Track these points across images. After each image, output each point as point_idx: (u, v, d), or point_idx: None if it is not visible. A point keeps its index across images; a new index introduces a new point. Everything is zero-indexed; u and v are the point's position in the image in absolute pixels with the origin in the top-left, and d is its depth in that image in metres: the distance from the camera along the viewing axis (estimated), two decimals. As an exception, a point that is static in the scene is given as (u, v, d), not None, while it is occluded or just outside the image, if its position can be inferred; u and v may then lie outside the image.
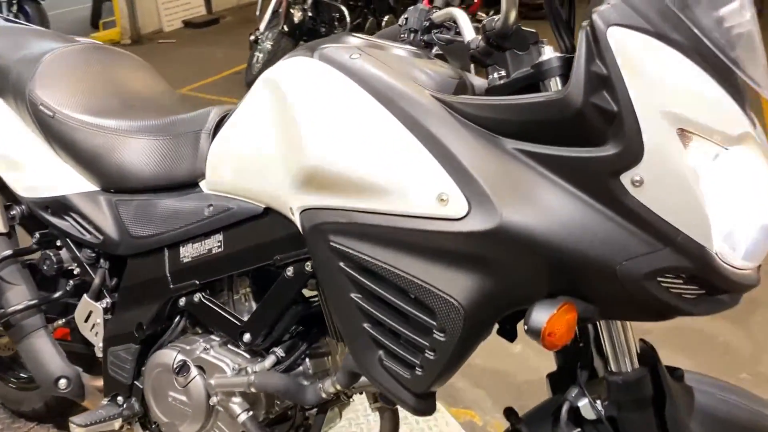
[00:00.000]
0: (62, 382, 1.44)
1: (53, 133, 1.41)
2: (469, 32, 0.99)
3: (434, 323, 0.89)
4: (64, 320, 1.50)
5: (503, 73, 0.93)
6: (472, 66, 1.12)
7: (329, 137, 0.96)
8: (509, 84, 0.92)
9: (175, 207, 1.30)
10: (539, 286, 0.85)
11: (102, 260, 1.44)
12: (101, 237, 1.38)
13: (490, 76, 0.95)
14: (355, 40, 1.06)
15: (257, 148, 1.12)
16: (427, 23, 1.12)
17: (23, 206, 1.53)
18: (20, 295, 1.46)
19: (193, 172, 1.31)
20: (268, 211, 1.15)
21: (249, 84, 5.00)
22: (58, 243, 1.50)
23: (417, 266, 0.89)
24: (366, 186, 0.92)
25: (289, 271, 1.14)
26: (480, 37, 0.95)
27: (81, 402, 1.52)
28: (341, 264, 0.97)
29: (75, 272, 1.48)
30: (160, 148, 1.34)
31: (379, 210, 0.91)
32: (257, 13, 5.22)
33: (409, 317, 0.92)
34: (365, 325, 0.96)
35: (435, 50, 1.14)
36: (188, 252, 1.28)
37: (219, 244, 1.24)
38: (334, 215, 0.97)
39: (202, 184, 1.30)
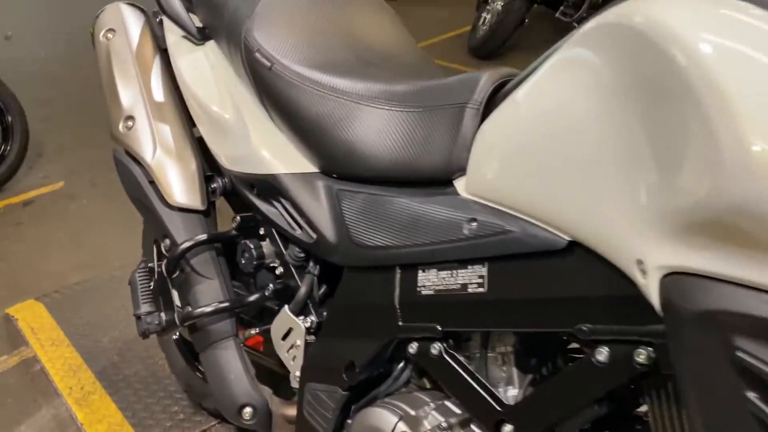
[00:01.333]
0: (247, 411, 1.13)
1: (269, 90, 1.07)
2: None
3: None
4: (257, 330, 1.19)
5: None
6: None
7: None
8: None
9: (419, 212, 0.89)
10: None
11: (311, 264, 1.10)
12: (314, 236, 1.02)
13: None
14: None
15: (575, 143, 0.66)
16: None
17: (226, 179, 1.23)
18: (211, 293, 1.16)
19: (448, 164, 0.88)
20: (575, 246, 0.70)
21: (473, 49, 4.54)
22: (262, 231, 1.17)
23: None
24: None
25: (602, 355, 0.68)
26: None
27: (267, 435, 1.22)
28: (751, 395, 0.49)
29: (277, 272, 1.15)
30: (406, 125, 0.93)
31: None
32: (490, -31, 4.71)
33: None
34: None
35: None
36: (430, 281, 0.87)
37: (480, 281, 0.81)
38: (753, 300, 0.49)
39: (459, 184, 0.87)
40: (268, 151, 1.09)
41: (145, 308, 1.16)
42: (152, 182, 1.21)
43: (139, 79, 1.26)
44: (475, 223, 0.80)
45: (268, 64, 1.06)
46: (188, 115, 1.27)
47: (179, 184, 1.19)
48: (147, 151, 1.20)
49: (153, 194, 1.19)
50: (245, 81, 1.13)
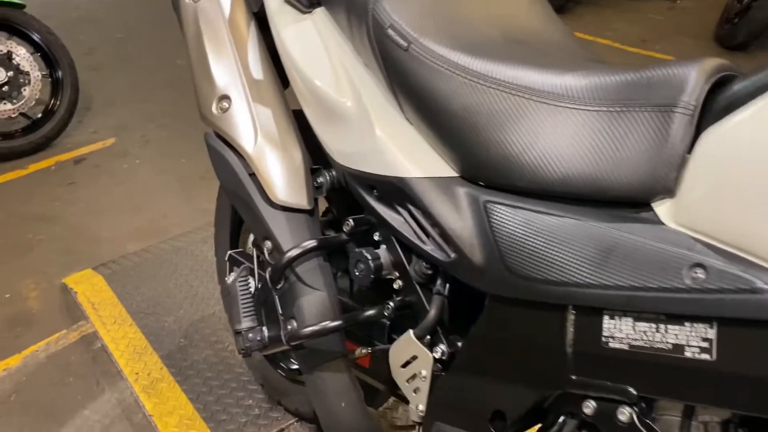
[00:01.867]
0: (356, 445, 0.99)
1: (402, 75, 0.88)
2: None
3: None
4: (369, 350, 1.03)
5: None
6: None
7: None
8: None
9: (609, 242, 0.71)
10: None
11: (441, 282, 0.93)
12: (452, 255, 0.85)
13: None
14: None
15: None
16: None
17: (335, 173, 1.06)
18: (320, 308, 1.00)
19: (646, 183, 0.70)
20: None
21: (721, 38, 3.86)
22: (377, 236, 1.01)
23: None
24: None
25: None
26: None
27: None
28: None
29: (395, 285, 0.99)
30: (588, 128, 0.74)
31: None
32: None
33: None
34: None
35: None
36: (623, 332, 0.70)
37: (705, 345, 0.63)
38: None
39: (662, 209, 0.69)
40: (397, 148, 0.91)
41: (246, 323, 1.01)
42: (252, 174, 1.04)
43: (234, 52, 1.08)
44: (701, 271, 0.62)
45: (404, 44, 0.87)
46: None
47: (284, 179, 1.02)
48: (246, 139, 1.03)
49: (254, 189, 1.03)
50: (370, 61, 0.94)
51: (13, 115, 2.82)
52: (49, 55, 2.91)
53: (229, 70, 1.07)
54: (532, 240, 0.77)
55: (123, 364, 1.75)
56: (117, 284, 2.03)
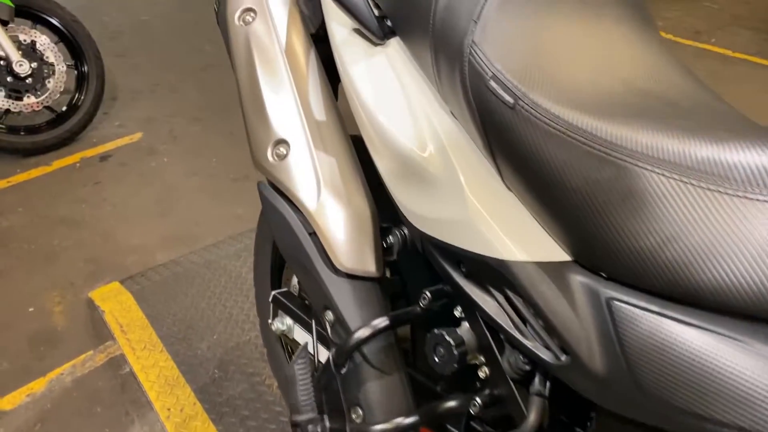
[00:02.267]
0: None
1: (506, 135, 0.73)
2: None
3: None
4: (446, 445, 0.89)
5: None
6: None
7: None
8: None
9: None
10: None
11: (540, 381, 0.78)
12: (563, 357, 0.70)
13: None
14: None
15: None
16: None
17: (407, 233, 0.91)
18: (390, 398, 0.86)
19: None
20: None
21: None
22: (458, 312, 0.86)
23: None
24: None
25: None
26: None
27: None
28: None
29: (481, 374, 0.84)
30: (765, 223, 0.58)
31: None
32: None
33: None
34: None
35: None
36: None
37: None
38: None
39: None
40: (495, 221, 0.76)
41: (306, 414, 0.87)
42: (312, 234, 0.89)
43: (292, 86, 0.92)
44: None
45: (511, 99, 0.71)
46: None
47: (350, 242, 0.87)
48: (307, 192, 0.88)
49: (314, 252, 0.88)
50: (462, 113, 0.78)
51: (37, 109, 2.70)
52: (74, 44, 2.76)
53: (288, 109, 0.92)
54: (675, 358, 0.62)
55: (154, 397, 1.63)
56: (146, 303, 1.90)
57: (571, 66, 0.75)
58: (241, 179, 2.62)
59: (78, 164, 2.72)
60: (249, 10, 0.99)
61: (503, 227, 0.76)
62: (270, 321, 1.25)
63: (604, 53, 0.80)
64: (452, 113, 0.82)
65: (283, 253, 0.96)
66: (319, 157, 0.90)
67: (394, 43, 0.89)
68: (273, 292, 1.25)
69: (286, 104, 0.93)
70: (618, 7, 0.86)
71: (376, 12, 0.88)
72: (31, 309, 1.99)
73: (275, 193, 0.93)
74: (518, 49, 0.74)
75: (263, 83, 0.94)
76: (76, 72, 2.79)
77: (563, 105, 0.70)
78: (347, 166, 0.91)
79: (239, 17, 0.99)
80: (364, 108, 0.87)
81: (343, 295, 0.88)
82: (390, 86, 0.86)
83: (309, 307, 1.16)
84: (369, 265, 0.88)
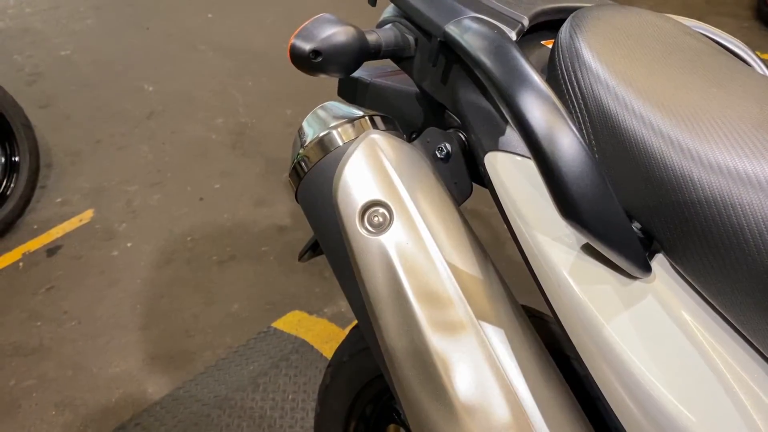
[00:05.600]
0: None
1: None
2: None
3: None
4: None
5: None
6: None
7: None
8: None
9: None
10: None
11: None
12: None
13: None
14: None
15: None
16: None
17: None
18: None
19: None
20: None
21: (765, 17, 3.28)
22: None
23: None
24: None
25: None
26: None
27: None
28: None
29: None
30: None
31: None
32: None
33: None
34: None
35: None
36: None
37: None
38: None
39: None
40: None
41: None
42: None
43: (480, 332, 0.56)
44: None
45: None
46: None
47: None
48: None
49: None
50: None
51: (-43, 201, 2.18)
52: (-5, 115, 2.25)
53: (485, 384, 0.55)
54: None
55: None
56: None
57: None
58: (227, 260, 2.19)
59: (21, 263, 2.22)
60: (378, 204, 0.61)
61: None
62: None
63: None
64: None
65: None
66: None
67: (661, 272, 0.54)
68: None
69: (482, 376, 0.56)
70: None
71: (639, 233, 0.53)
72: (-4, 492, 1.54)
73: None
74: None
75: (435, 340, 0.57)
76: (3, 156, 2.28)
77: None
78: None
79: (363, 222, 0.61)
80: (634, 379, 0.52)
81: None
82: (676, 348, 0.51)
83: None
84: None
